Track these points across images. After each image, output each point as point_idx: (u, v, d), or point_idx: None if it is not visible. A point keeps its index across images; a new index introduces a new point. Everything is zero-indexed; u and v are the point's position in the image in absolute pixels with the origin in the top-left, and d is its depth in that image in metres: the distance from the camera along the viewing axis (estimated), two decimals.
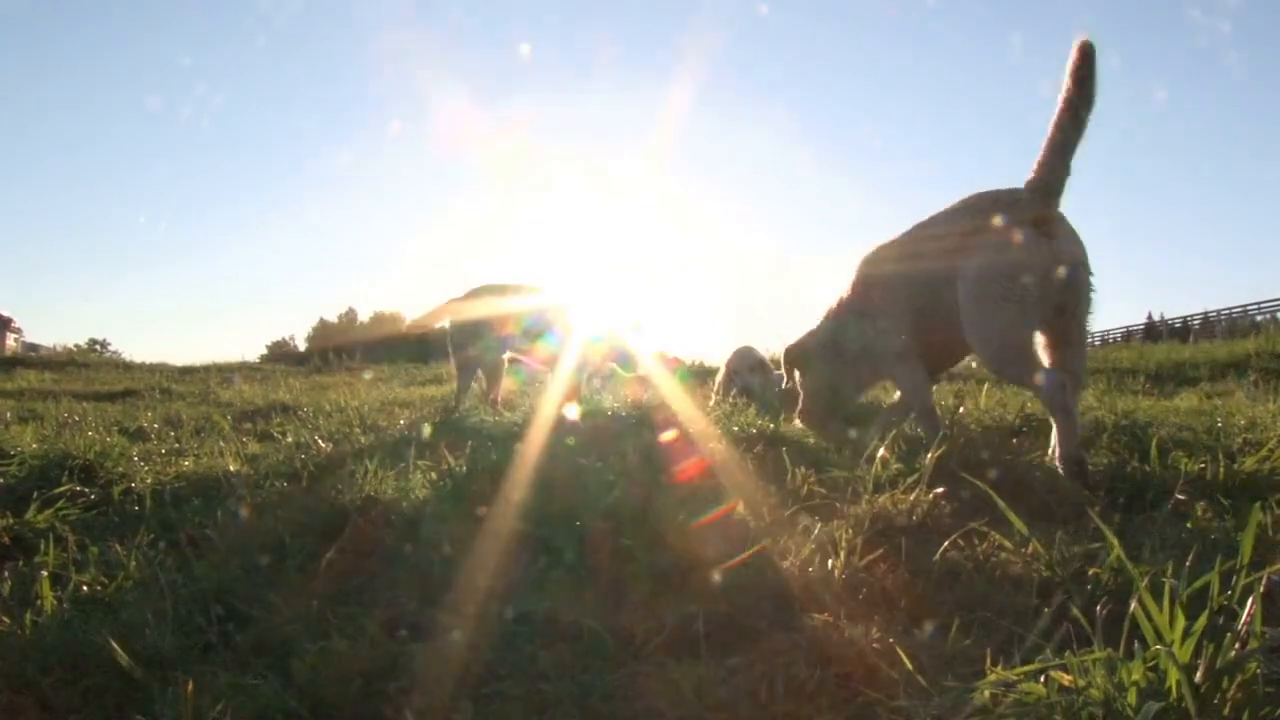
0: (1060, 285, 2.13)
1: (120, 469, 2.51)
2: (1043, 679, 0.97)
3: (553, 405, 3.17)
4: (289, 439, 3.04)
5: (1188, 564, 1.12)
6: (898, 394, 2.83)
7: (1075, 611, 1.11)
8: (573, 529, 1.70)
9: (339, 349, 14.43)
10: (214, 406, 4.83)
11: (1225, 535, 1.58)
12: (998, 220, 2.21)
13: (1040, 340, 2.25)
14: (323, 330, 49.51)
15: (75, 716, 1.20)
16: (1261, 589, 0.97)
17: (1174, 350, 8.61)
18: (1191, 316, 25.35)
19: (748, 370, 4.53)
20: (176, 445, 3.09)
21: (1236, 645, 0.91)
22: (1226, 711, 0.88)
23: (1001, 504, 1.50)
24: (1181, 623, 0.94)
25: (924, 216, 2.54)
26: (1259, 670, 0.89)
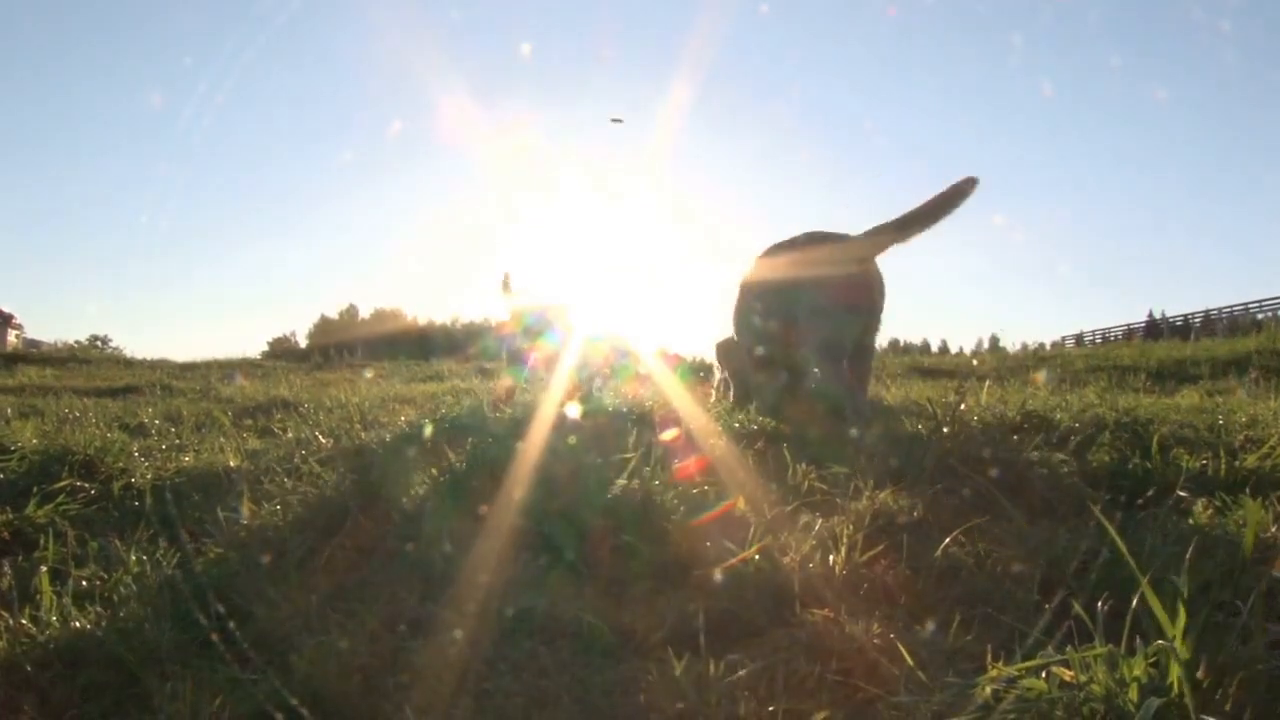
0: None
1: (120, 464, 2.50)
2: (1044, 675, 0.97)
3: (553, 403, 3.16)
4: (290, 435, 3.04)
5: (1189, 560, 1.12)
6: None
7: (1077, 608, 1.11)
8: (573, 525, 1.70)
9: (340, 345, 14.42)
10: (215, 403, 4.82)
11: (1227, 532, 1.58)
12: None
13: None
14: (324, 327, 49.55)
15: (73, 712, 1.20)
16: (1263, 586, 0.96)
17: (1175, 348, 8.60)
18: (1193, 314, 25.34)
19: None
20: (177, 441, 3.09)
21: (1239, 641, 0.91)
22: (1229, 708, 0.87)
23: (1003, 500, 1.49)
24: (1183, 619, 0.94)
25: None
26: (1261, 666, 0.89)
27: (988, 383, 3.81)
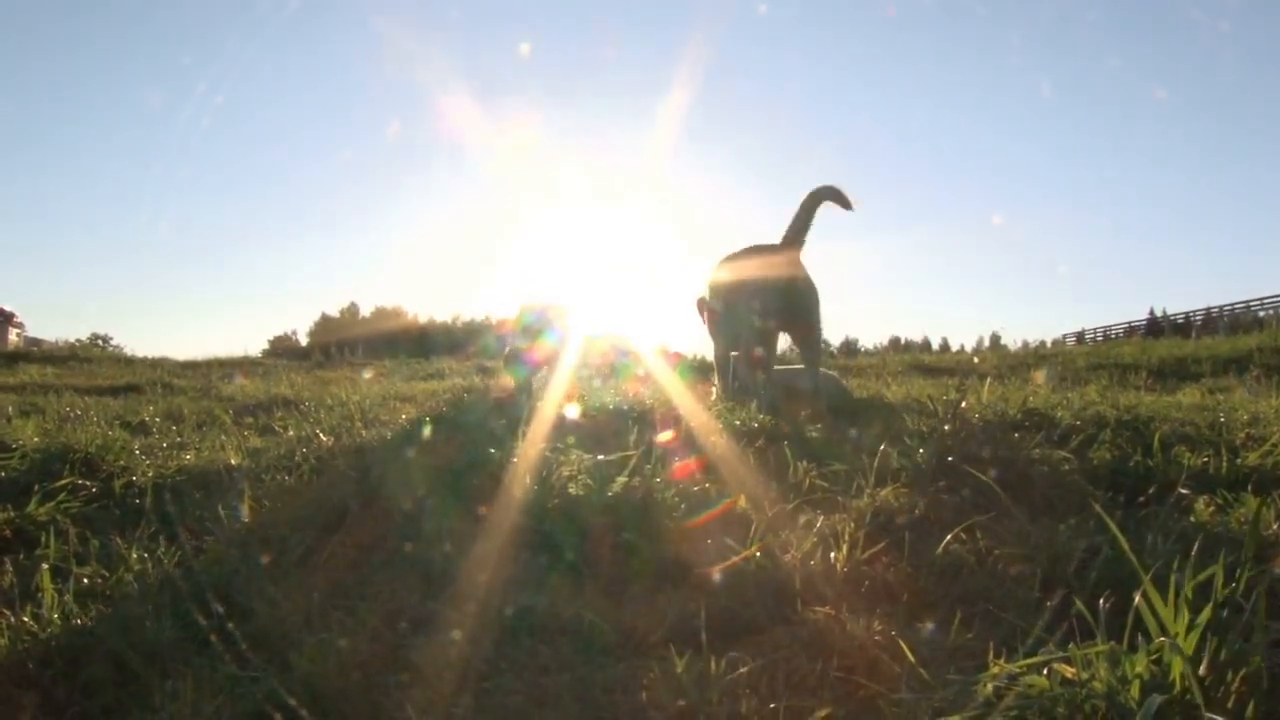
0: None
1: (121, 462, 2.51)
2: (1046, 672, 0.97)
3: (554, 401, 3.16)
4: (290, 433, 3.04)
5: (1191, 557, 1.11)
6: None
7: (1078, 605, 1.11)
8: (573, 524, 1.69)
9: (341, 344, 14.42)
10: (215, 401, 4.83)
11: (1228, 529, 1.58)
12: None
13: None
14: (324, 325, 49.50)
15: (75, 709, 1.20)
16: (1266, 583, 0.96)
17: (1176, 346, 8.60)
18: (1194, 312, 25.31)
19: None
20: (178, 439, 3.09)
21: (1241, 638, 0.91)
22: (1231, 704, 0.87)
23: (1004, 498, 1.49)
24: (1186, 615, 0.94)
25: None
26: (1264, 663, 0.89)
27: (989, 381, 3.80)
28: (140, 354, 13.54)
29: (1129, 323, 29.00)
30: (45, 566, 1.53)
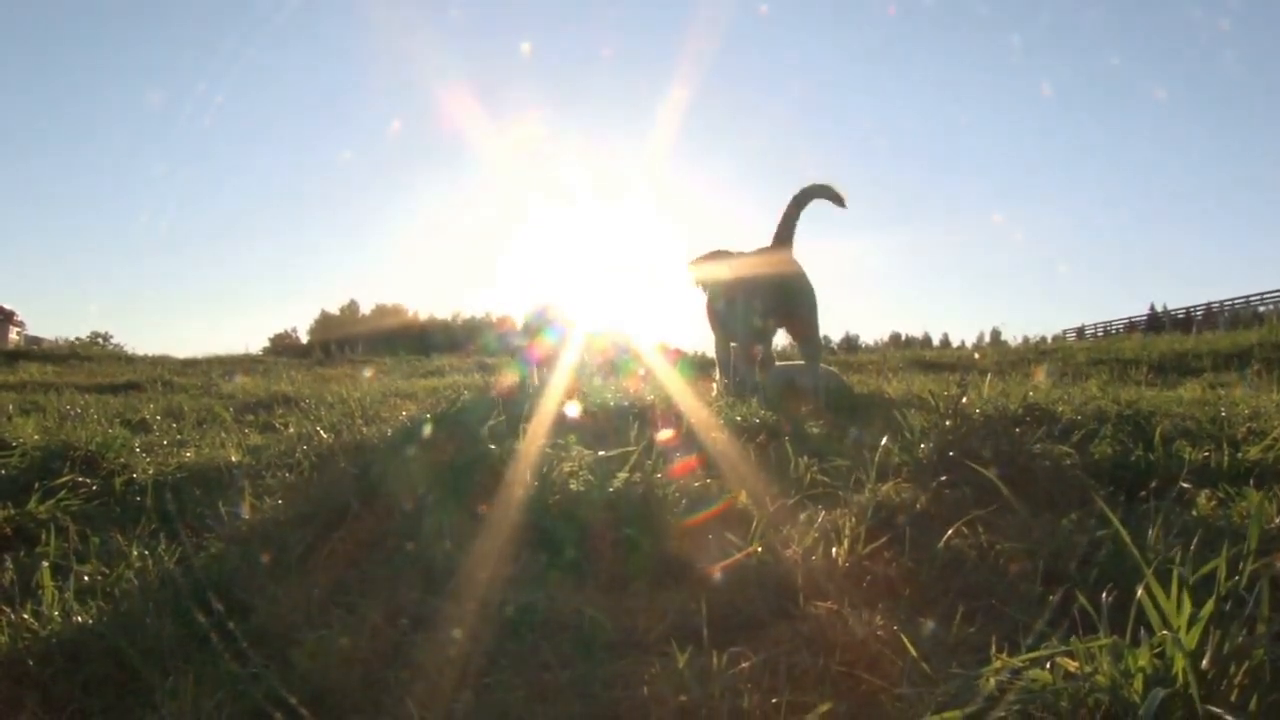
0: None
1: (122, 460, 2.51)
2: (1048, 666, 0.97)
3: (554, 398, 3.16)
4: (291, 430, 3.03)
5: (1193, 551, 1.11)
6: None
7: (1081, 599, 1.11)
8: (574, 520, 1.69)
9: (341, 341, 14.41)
10: (216, 398, 4.83)
11: (1230, 523, 1.58)
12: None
13: None
14: (325, 322, 49.50)
15: (75, 707, 1.20)
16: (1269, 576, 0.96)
17: (1177, 341, 8.58)
18: (1194, 307, 25.32)
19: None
20: (178, 437, 3.09)
21: (1244, 632, 0.90)
22: (1233, 698, 0.87)
23: (1005, 492, 1.49)
24: (1188, 609, 0.94)
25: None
26: (1266, 656, 0.89)
27: (989, 376, 3.80)
28: (140, 352, 13.52)
29: (1130, 318, 29.03)
30: (45, 564, 1.53)
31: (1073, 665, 0.95)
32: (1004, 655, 1.02)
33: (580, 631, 1.32)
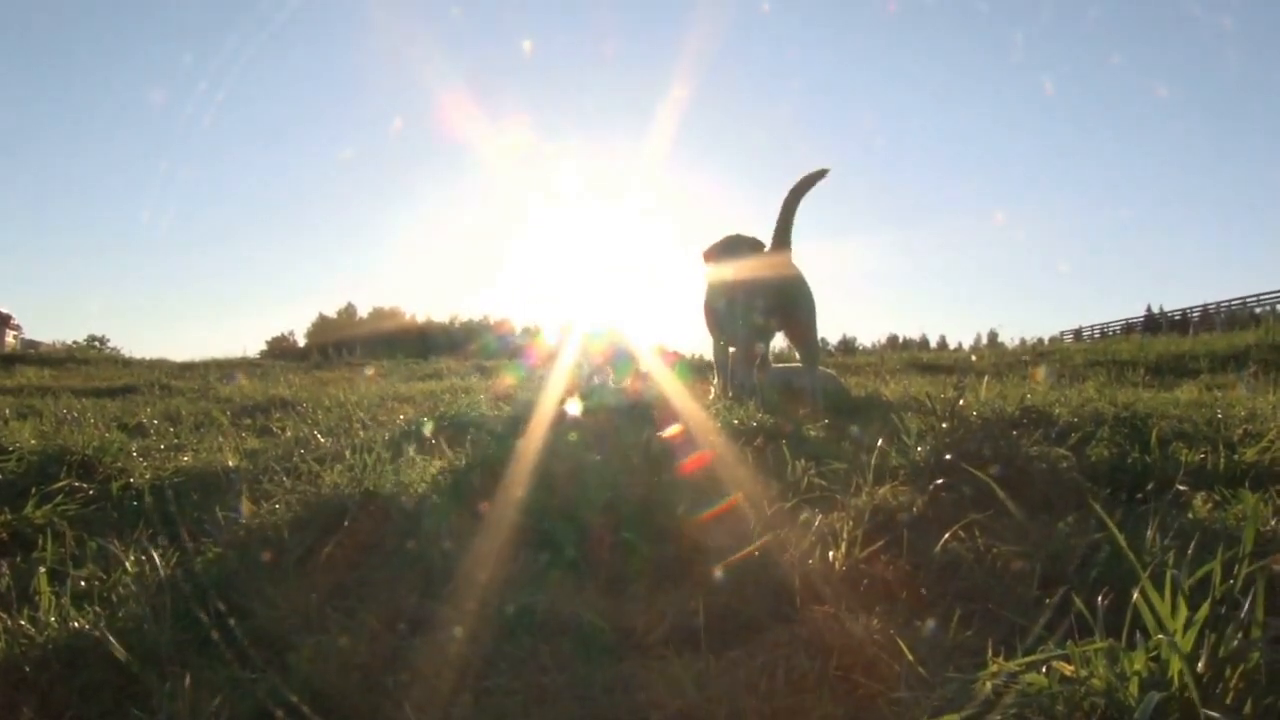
0: None
1: (119, 464, 2.50)
2: (1044, 670, 0.97)
3: (553, 400, 3.16)
4: (288, 434, 3.03)
5: (1189, 554, 1.12)
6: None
7: (1077, 603, 1.11)
8: (573, 522, 1.69)
9: (339, 344, 14.39)
10: (213, 402, 4.81)
11: (1226, 525, 1.58)
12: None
13: None
14: (322, 326, 49.43)
15: (72, 712, 1.19)
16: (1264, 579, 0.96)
17: (1174, 342, 8.62)
18: (1191, 309, 25.36)
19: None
20: (176, 441, 3.08)
21: (1239, 635, 0.91)
22: (1229, 701, 0.87)
23: (1002, 495, 1.49)
24: (1184, 612, 0.94)
25: None
26: (1261, 659, 0.89)
27: (986, 378, 3.80)
28: (138, 355, 13.51)
29: (1127, 320, 29.07)
30: (42, 569, 1.52)
31: (1069, 669, 0.95)
32: (1001, 659, 1.02)
33: (578, 634, 1.32)
